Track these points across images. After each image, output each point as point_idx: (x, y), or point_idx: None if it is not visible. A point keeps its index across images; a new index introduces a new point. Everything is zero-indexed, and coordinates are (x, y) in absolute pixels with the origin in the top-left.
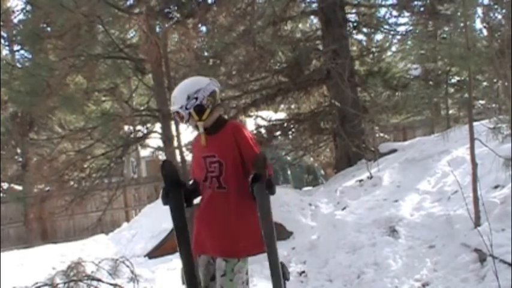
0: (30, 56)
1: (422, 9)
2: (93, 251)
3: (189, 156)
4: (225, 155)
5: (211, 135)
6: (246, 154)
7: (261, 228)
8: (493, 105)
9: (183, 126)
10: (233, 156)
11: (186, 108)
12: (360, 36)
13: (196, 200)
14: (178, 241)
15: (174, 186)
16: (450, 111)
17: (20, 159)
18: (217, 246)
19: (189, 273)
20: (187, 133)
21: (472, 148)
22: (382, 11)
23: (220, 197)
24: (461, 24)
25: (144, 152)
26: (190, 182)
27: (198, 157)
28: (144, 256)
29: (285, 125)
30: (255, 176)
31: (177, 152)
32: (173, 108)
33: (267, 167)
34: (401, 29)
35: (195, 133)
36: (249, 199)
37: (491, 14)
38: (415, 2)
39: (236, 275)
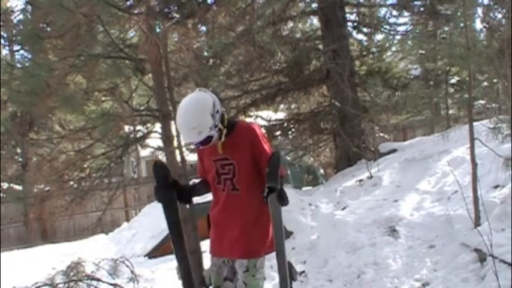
0: (30, 56)
1: (422, 9)
2: (93, 250)
3: (189, 156)
4: (239, 157)
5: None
6: (259, 155)
7: (273, 233)
8: (493, 105)
9: None
10: (247, 158)
11: (216, 126)
12: (360, 36)
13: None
14: (172, 237)
15: (165, 185)
16: (450, 111)
17: (20, 159)
18: (236, 249)
19: (185, 271)
20: None
21: (472, 148)
22: (382, 11)
23: (235, 199)
24: (461, 24)
25: (144, 152)
26: (197, 181)
27: (208, 160)
28: (144, 256)
29: (285, 125)
30: (270, 188)
31: (177, 152)
32: (202, 136)
33: (279, 167)
34: (401, 28)
35: None
36: (261, 199)
37: (491, 14)
38: (415, 2)
39: (258, 270)
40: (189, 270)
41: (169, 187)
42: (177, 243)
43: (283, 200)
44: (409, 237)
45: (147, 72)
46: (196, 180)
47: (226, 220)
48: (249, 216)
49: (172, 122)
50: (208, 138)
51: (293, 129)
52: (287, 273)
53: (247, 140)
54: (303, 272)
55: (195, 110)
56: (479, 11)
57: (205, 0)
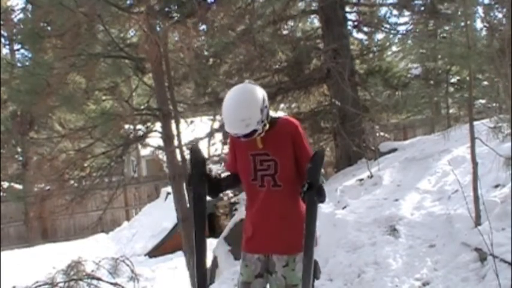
0: (30, 55)
1: (422, 8)
2: (93, 250)
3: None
4: (281, 153)
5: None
6: (299, 151)
7: (304, 228)
8: (494, 104)
9: (183, 125)
10: (288, 154)
11: (262, 121)
12: (361, 35)
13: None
14: (195, 228)
15: (200, 173)
16: (450, 111)
17: (20, 158)
18: (277, 245)
19: (200, 263)
20: (187, 132)
21: (472, 147)
22: (383, 10)
23: (275, 195)
24: (462, 24)
25: (145, 151)
26: (224, 174)
27: (244, 154)
28: (145, 255)
29: None
30: (309, 184)
31: (178, 151)
32: (249, 129)
33: (321, 165)
34: (402, 28)
35: (196, 132)
36: (299, 194)
37: (492, 13)
38: (416, 1)
39: (297, 265)
40: (204, 263)
41: (204, 176)
42: (198, 234)
43: (321, 196)
44: (409, 237)
45: (147, 72)
46: (226, 173)
47: (266, 216)
48: (289, 212)
49: (173, 121)
50: (253, 132)
51: None
52: (311, 270)
53: (289, 135)
54: None
55: (247, 102)
56: (480, 10)
57: None
